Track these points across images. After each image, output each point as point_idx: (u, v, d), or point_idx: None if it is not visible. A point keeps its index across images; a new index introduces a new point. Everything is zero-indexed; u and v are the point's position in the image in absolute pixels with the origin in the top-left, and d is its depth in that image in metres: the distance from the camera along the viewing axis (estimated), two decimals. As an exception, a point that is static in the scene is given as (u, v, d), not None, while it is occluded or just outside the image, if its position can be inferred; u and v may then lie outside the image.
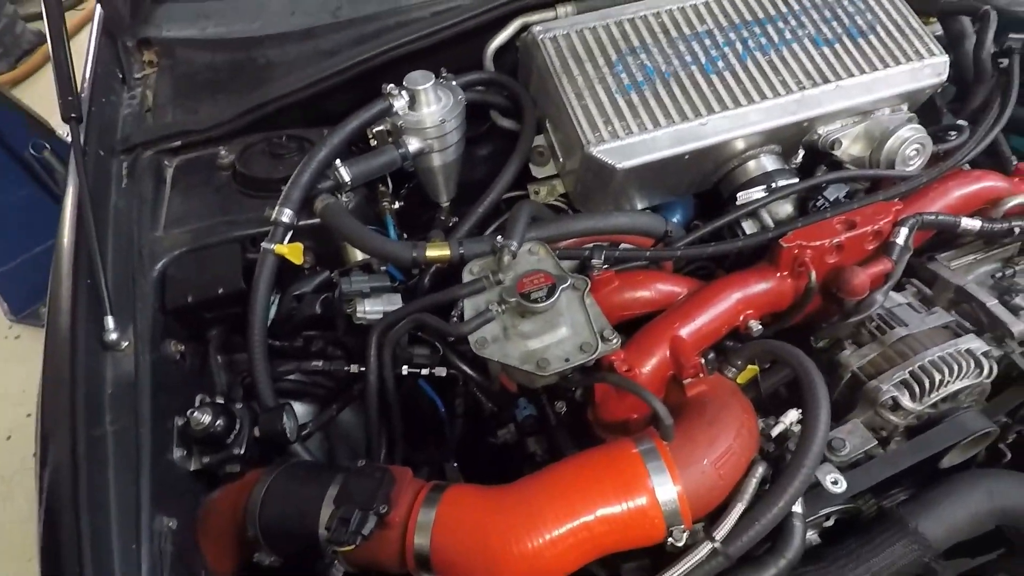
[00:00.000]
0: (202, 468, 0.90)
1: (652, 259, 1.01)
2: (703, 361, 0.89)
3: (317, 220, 1.02)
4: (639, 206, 1.16)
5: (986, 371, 0.85)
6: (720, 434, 0.79)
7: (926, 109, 1.18)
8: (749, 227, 1.05)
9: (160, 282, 0.99)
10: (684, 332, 0.92)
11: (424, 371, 1.05)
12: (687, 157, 1.03)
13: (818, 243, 0.93)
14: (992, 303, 0.93)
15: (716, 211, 1.16)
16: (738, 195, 1.07)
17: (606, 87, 1.05)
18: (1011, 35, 1.19)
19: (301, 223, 1.01)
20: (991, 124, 1.10)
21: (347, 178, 1.03)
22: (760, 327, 0.95)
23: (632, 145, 1.01)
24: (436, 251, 0.99)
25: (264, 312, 0.95)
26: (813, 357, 0.96)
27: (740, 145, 1.07)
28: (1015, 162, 1.12)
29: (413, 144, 1.09)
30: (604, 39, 1.10)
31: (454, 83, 1.15)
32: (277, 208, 0.98)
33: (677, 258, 1.01)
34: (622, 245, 1.06)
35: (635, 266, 1.04)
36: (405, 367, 1.04)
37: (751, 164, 1.09)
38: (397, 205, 1.13)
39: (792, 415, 0.85)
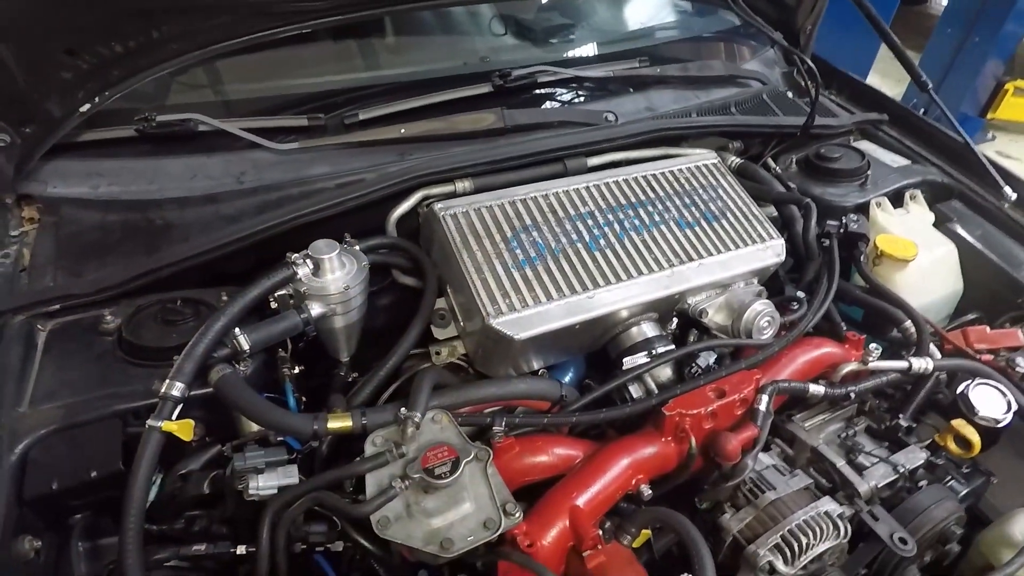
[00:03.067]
0: None
1: (550, 425, 1.06)
2: (600, 532, 0.93)
3: (210, 390, 0.98)
4: (536, 366, 1.23)
5: (842, 532, 0.96)
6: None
7: (772, 280, 1.39)
8: (635, 390, 1.15)
9: (20, 468, 0.89)
10: (581, 501, 0.96)
11: (320, 548, 1.00)
12: (577, 326, 1.13)
13: (696, 411, 1.03)
14: (841, 463, 1.06)
15: (605, 366, 1.27)
16: (624, 360, 1.17)
17: (503, 262, 1.14)
18: (828, 221, 1.45)
19: (192, 393, 0.97)
20: (823, 297, 1.30)
21: (246, 346, 1.01)
22: (650, 492, 1.01)
23: (528, 317, 1.09)
24: (338, 423, 0.98)
25: (143, 498, 0.87)
26: (698, 519, 1.04)
27: (624, 314, 1.19)
28: (845, 328, 1.32)
29: (315, 309, 1.10)
30: (500, 217, 1.21)
31: (357, 248, 1.19)
32: (168, 382, 0.93)
33: (572, 424, 1.07)
34: (519, 409, 1.11)
35: (533, 431, 1.09)
36: (300, 545, 0.99)
37: (633, 330, 1.21)
38: (297, 370, 1.12)
39: (684, 580, 0.90)
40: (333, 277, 1.11)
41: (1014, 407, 1.16)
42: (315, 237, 1.13)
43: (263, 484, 0.97)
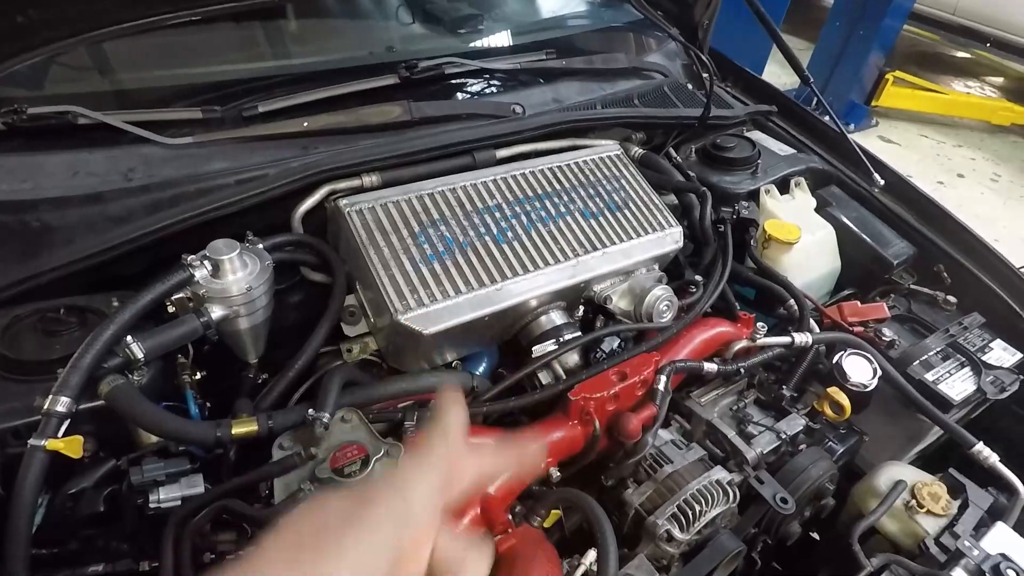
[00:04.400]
0: None
1: (461, 416, 1.08)
2: (511, 516, 0.97)
3: (101, 402, 0.94)
4: (449, 358, 1.24)
5: (731, 497, 1.04)
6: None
7: (673, 264, 1.47)
8: (544, 377, 1.19)
9: None
10: (492, 488, 0.99)
11: (231, 556, 0.98)
12: (487, 318, 1.15)
13: (599, 394, 1.09)
14: (732, 434, 1.15)
15: (518, 354, 1.30)
16: (533, 349, 1.21)
17: (410, 257, 1.15)
18: (723, 208, 1.54)
19: (81, 407, 0.92)
20: (718, 280, 1.39)
21: (140, 355, 0.97)
22: (559, 474, 1.06)
23: (437, 311, 1.10)
24: (243, 427, 0.97)
25: (28, 524, 0.83)
26: (605, 495, 1.09)
27: (532, 304, 1.22)
28: (739, 308, 1.42)
29: (217, 312, 1.06)
30: (407, 212, 1.21)
31: (260, 246, 1.16)
32: (51, 396, 0.88)
33: (484, 414, 1.10)
34: (432, 403, 1.12)
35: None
36: (209, 555, 0.96)
37: (542, 319, 1.25)
38: (199, 376, 1.08)
39: (592, 555, 0.95)
40: (235, 278, 1.07)
41: (879, 373, 1.30)
42: (215, 236, 1.09)
43: (164, 496, 0.94)
